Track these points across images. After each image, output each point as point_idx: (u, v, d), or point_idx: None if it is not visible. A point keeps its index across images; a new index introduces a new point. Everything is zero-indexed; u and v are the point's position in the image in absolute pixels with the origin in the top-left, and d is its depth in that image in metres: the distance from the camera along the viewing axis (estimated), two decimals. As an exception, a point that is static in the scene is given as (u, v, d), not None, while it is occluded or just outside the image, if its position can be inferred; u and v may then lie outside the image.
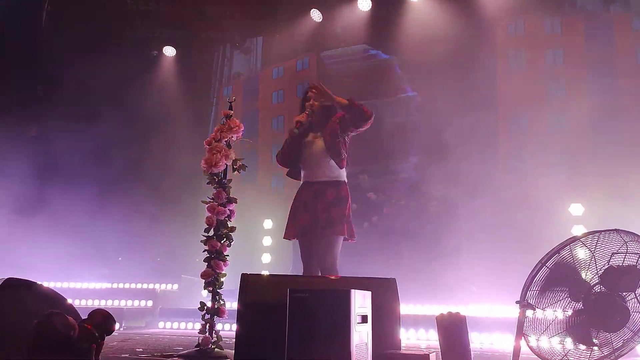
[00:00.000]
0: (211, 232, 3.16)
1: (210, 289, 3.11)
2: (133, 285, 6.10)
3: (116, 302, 5.68)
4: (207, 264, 3.14)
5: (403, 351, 2.40)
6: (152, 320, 5.51)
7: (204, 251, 3.17)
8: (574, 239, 2.33)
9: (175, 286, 6.25)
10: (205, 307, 3.11)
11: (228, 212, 3.19)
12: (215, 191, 3.16)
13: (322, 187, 3.25)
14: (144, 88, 7.71)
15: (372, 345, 2.06)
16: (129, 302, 5.71)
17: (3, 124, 6.27)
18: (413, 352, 2.54)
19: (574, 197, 5.83)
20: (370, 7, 7.84)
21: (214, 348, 3.01)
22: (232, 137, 3.15)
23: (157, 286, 6.01)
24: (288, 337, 1.94)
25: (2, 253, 5.82)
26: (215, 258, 3.12)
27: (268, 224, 7.14)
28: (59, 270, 6.33)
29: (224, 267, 3.16)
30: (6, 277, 2.48)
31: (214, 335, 3.06)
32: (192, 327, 5.19)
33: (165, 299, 5.86)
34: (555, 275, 2.29)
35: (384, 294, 2.38)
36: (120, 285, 6.12)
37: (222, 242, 3.17)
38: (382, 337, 2.22)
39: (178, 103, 7.84)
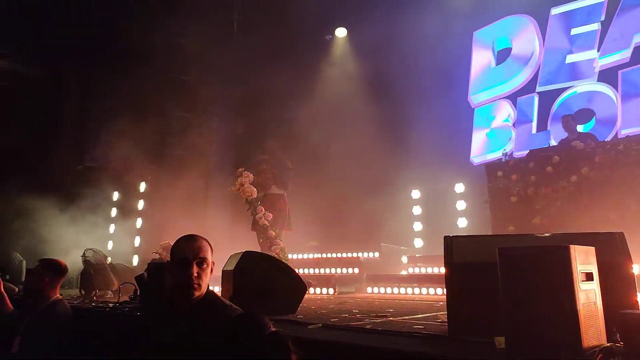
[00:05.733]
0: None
1: None
2: (340, 255, 6.68)
3: (327, 270, 6.32)
4: None
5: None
6: (361, 286, 5.97)
7: None
8: None
9: (377, 254, 6.62)
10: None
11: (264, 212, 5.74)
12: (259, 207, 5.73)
13: None
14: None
15: (603, 306, 1.87)
16: (338, 270, 6.28)
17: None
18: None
19: None
20: None
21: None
22: (247, 181, 5.62)
23: (360, 255, 6.45)
24: (503, 298, 1.89)
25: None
26: None
27: (459, 187, 6.96)
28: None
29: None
30: (246, 250, 3.11)
31: None
32: (397, 292, 5.46)
33: (369, 266, 6.25)
34: None
35: (611, 250, 2.12)
36: (329, 255, 6.77)
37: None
38: (613, 297, 1.99)
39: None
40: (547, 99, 7.06)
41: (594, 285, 1.86)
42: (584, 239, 2.16)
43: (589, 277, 1.83)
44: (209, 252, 2.26)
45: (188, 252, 2.20)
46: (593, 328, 1.79)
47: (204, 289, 2.21)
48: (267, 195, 6.06)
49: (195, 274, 2.17)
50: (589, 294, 1.80)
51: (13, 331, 3.36)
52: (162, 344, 2.16)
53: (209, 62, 9.09)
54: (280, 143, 6.43)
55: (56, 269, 3.50)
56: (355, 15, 8.21)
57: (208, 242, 2.30)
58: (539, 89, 7.17)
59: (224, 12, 9.08)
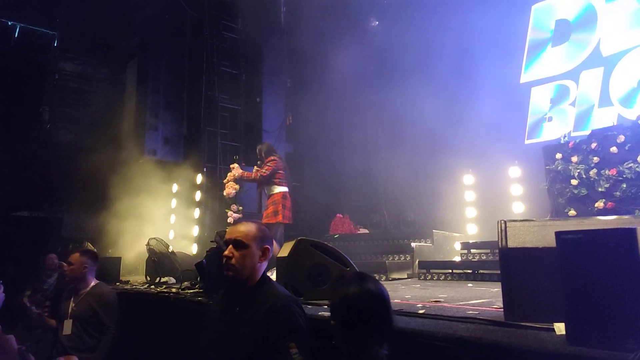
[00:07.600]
0: None
1: None
2: (391, 241, 6.65)
3: (379, 257, 6.32)
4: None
5: None
6: (412, 272, 5.93)
7: None
8: None
9: (429, 241, 6.54)
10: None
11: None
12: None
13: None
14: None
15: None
16: (390, 257, 6.27)
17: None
18: None
19: None
20: None
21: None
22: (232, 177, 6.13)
23: (412, 243, 6.41)
24: (562, 283, 1.83)
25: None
26: None
27: (514, 171, 6.70)
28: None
29: None
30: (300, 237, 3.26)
31: None
32: (449, 279, 5.38)
33: (421, 253, 6.19)
34: None
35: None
36: (381, 242, 6.77)
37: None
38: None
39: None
40: (610, 72, 6.60)
41: (664, 270, 1.77)
42: (651, 221, 2.05)
43: (656, 261, 1.74)
44: (252, 237, 2.19)
45: (227, 234, 2.25)
46: (662, 314, 1.71)
47: (244, 273, 2.16)
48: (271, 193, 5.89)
49: (229, 254, 2.15)
50: (657, 279, 1.72)
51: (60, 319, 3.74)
52: (218, 329, 2.23)
53: (259, 53, 9.27)
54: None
55: (93, 256, 3.90)
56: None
57: (260, 228, 2.27)
58: (604, 53, 6.69)
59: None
